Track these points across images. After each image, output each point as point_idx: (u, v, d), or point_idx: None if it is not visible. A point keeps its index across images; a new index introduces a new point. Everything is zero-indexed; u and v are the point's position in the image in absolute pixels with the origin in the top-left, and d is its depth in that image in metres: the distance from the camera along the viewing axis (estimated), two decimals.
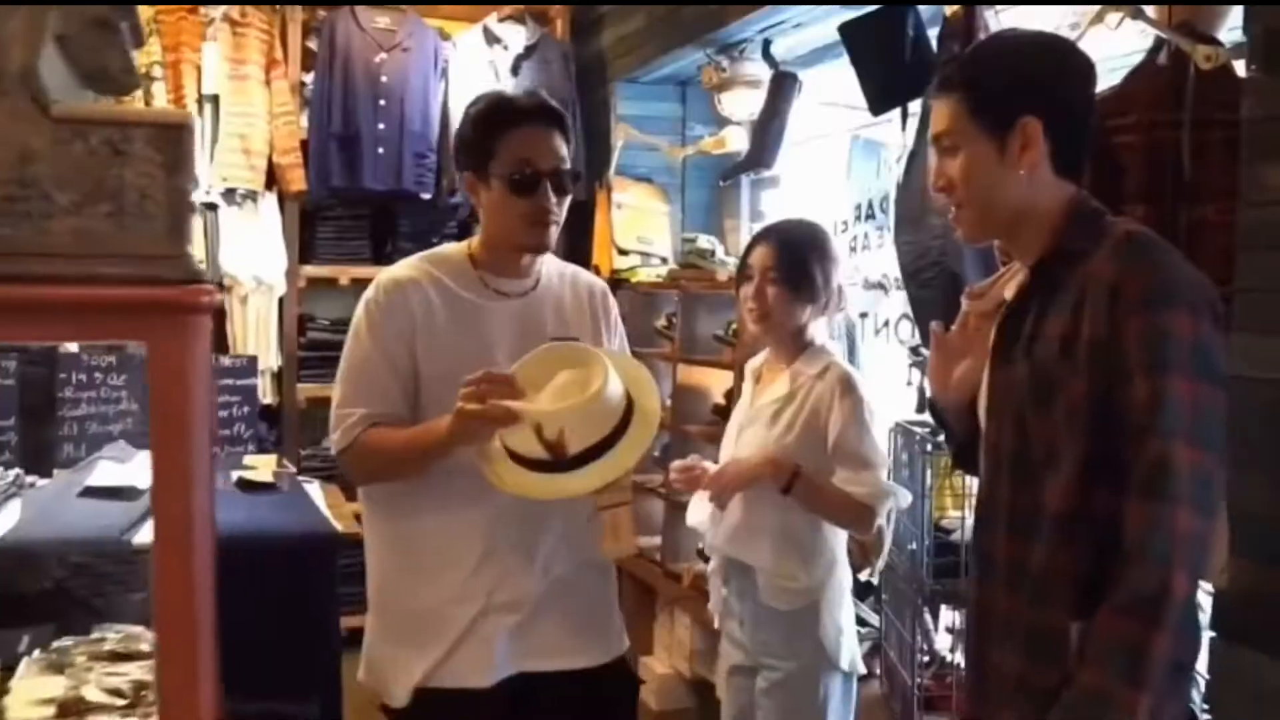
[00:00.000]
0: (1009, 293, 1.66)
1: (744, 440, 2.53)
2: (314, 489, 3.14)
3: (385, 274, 2.06)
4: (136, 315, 0.96)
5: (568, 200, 2.04)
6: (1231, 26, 2.18)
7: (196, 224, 1.22)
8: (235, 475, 3.00)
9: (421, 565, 2.01)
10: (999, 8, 2.84)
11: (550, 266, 2.16)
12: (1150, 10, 2.28)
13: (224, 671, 2.54)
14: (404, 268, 2.07)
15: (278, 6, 4.50)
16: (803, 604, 2.43)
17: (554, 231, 2.03)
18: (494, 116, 2.01)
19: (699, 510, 2.59)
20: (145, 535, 2.59)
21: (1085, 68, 1.60)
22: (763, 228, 2.63)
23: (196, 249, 1.22)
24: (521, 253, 2.05)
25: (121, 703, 1.48)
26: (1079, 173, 1.60)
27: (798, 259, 2.48)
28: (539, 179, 1.97)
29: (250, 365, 4.12)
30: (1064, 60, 1.59)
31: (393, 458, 1.94)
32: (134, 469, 2.94)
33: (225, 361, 4.04)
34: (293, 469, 3.27)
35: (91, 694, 1.53)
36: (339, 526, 2.75)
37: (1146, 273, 1.43)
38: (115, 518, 2.61)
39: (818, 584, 2.45)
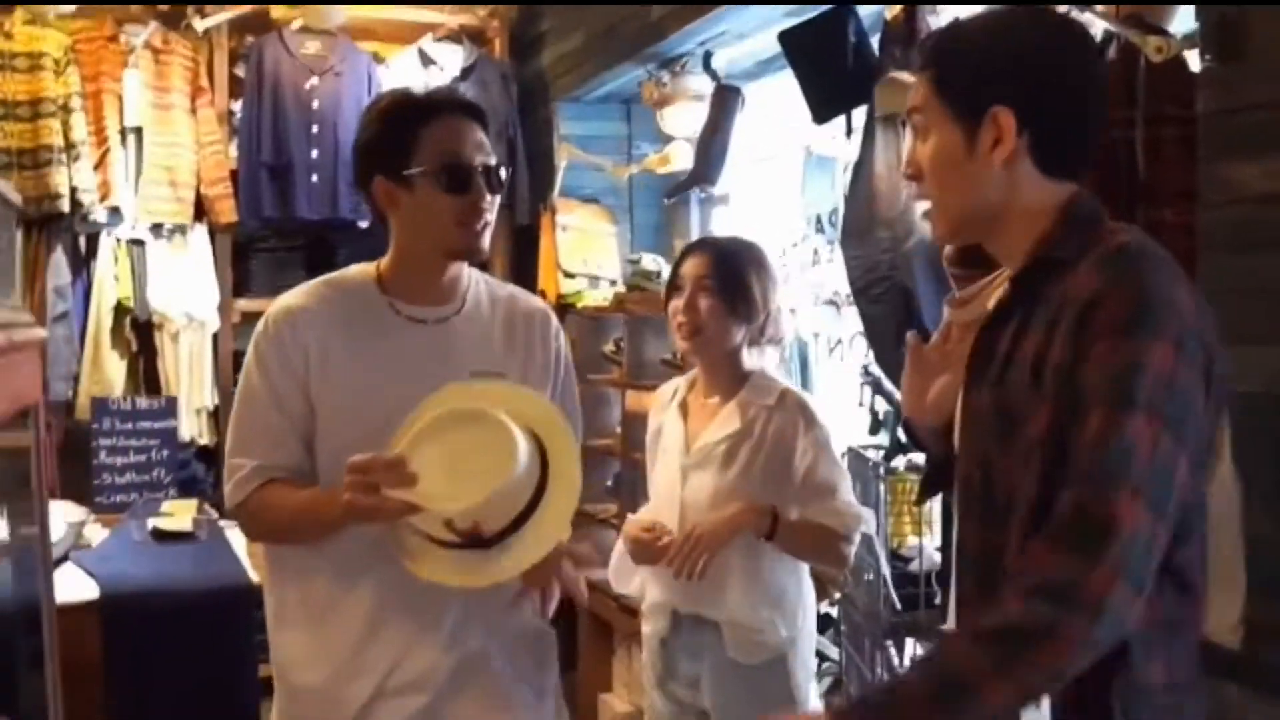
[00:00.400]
0: (992, 303, 1.43)
1: (693, 487, 2.28)
2: (235, 534, 2.96)
3: (275, 304, 1.83)
4: None
5: (498, 201, 1.81)
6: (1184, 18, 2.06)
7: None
8: (150, 524, 2.82)
9: (313, 634, 1.78)
10: (939, 8, 2.73)
11: (483, 289, 1.92)
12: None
13: None
14: (296, 295, 1.83)
15: (202, 33, 4.32)
16: (773, 655, 2.24)
17: (487, 236, 1.79)
18: (407, 111, 1.78)
19: (626, 572, 2.37)
20: None
21: (1082, 49, 1.36)
22: (698, 239, 2.46)
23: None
24: (453, 260, 1.81)
25: None
26: (1075, 171, 1.36)
27: (734, 270, 2.29)
28: (470, 173, 1.75)
29: (169, 406, 3.92)
30: (1053, 40, 1.34)
31: (286, 524, 1.75)
32: None
33: (142, 404, 3.85)
34: (214, 514, 3.09)
35: None
36: (255, 577, 2.57)
37: (1128, 290, 1.20)
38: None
39: (795, 632, 2.26)
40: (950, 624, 1.44)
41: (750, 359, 2.33)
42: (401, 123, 1.76)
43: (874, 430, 2.81)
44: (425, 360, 1.78)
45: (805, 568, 2.32)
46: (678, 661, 2.32)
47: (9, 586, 1.79)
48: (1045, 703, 1.20)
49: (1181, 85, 1.97)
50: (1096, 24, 2.11)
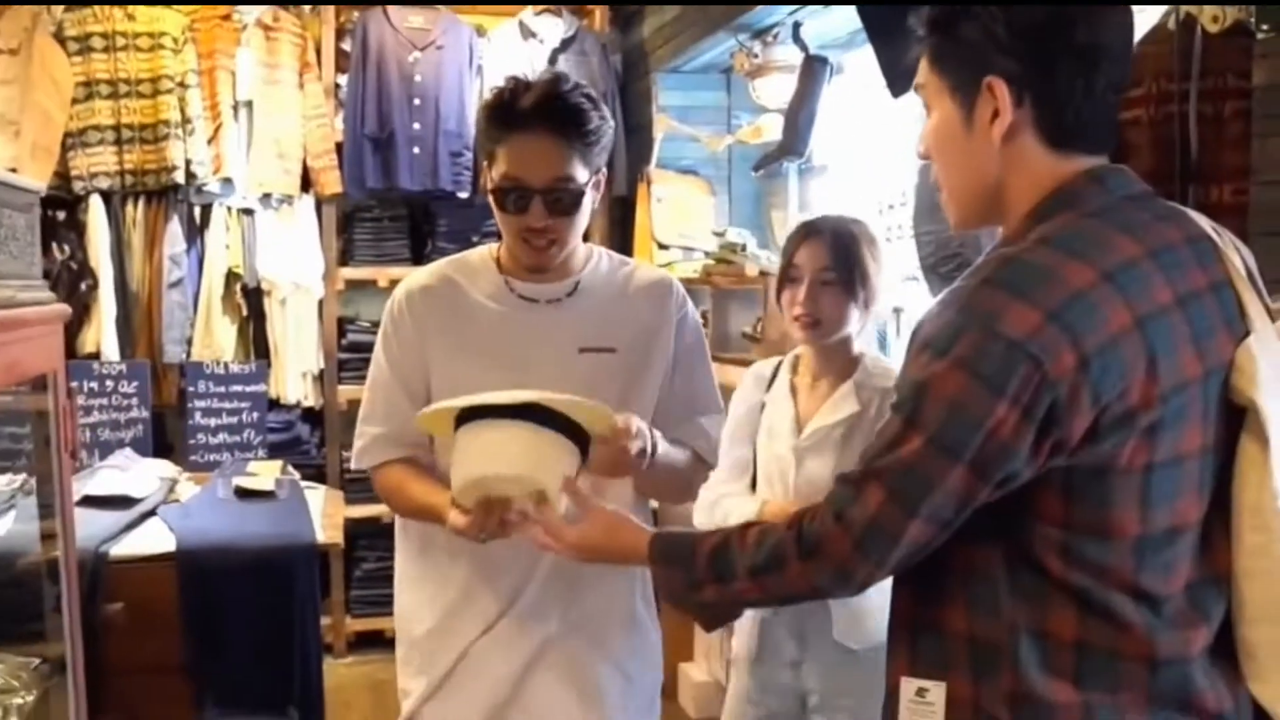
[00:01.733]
0: None
1: (809, 469, 2.20)
2: (316, 495, 3.10)
3: (404, 282, 1.93)
4: None
5: (572, 219, 1.80)
6: None
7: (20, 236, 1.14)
8: (235, 482, 2.98)
9: (418, 594, 1.93)
10: None
11: (603, 265, 1.94)
12: None
13: (199, 681, 2.54)
14: (423, 274, 1.92)
15: (311, 9, 4.47)
16: (879, 643, 2.20)
17: (555, 251, 1.81)
18: (496, 114, 1.79)
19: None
20: (126, 547, 2.58)
21: (1093, 8, 1.21)
22: (805, 223, 2.32)
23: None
24: (522, 269, 1.87)
25: None
26: (1094, 144, 1.24)
27: (853, 257, 2.21)
28: (529, 197, 1.75)
29: (260, 371, 4.10)
30: (1064, 5, 1.20)
31: (405, 510, 1.90)
32: (133, 477, 2.94)
33: (234, 368, 4.03)
34: (295, 475, 3.23)
35: None
36: (322, 536, 2.69)
37: (949, 311, 1.15)
38: (101, 528, 2.60)
39: None
40: None
41: (860, 341, 2.30)
42: (491, 125, 1.79)
43: None
44: (538, 337, 1.84)
45: None
46: (779, 642, 2.26)
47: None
48: (940, 695, 1.20)
49: (1244, 56, 1.87)
50: None
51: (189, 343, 4.28)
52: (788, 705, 2.27)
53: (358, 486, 4.01)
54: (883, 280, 2.26)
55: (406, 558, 1.96)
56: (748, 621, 2.30)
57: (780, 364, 2.38)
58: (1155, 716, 1.16)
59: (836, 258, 2.19)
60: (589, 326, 1.86)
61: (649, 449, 1.71)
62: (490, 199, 1.81)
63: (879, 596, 2.10)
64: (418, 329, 1.85)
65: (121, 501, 2.76)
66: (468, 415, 1.57)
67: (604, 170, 1.85)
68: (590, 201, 1.82)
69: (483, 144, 1.83)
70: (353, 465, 1.94)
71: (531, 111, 1.75)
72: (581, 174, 1.78)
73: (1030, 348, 1.09)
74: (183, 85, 4.26)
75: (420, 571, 1.93)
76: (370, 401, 1.91)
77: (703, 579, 1.33)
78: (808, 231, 2.27)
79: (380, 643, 4.59)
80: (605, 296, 1.90)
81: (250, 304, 4.45)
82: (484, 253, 1.94)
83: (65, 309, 1.47)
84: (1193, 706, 1.17)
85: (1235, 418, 1.16)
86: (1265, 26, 1.76)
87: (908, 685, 1.23)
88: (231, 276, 4.37)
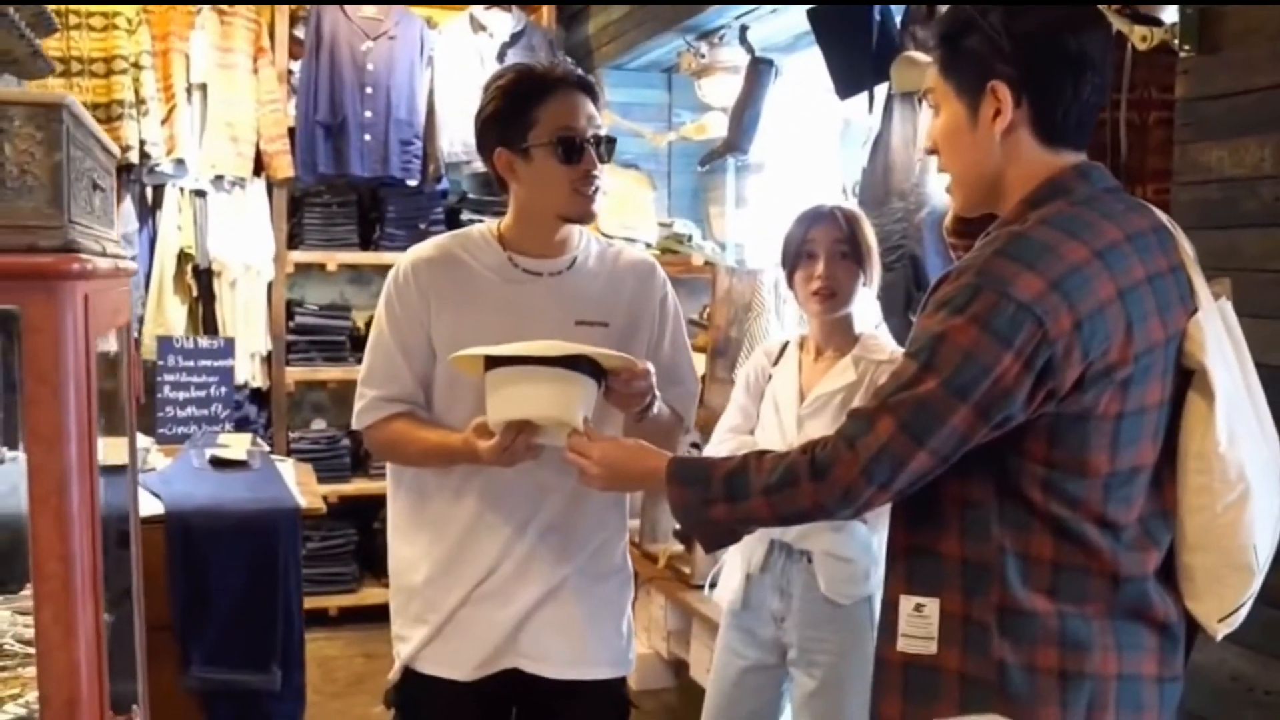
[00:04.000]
0: None
1: (809, 432, 2.33)
2: (286, 467, 3.20)
3: (409, 252, 2.05)
4: (10, 281, 1.00)
5: (606, 169, 1.97)
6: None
7: (95, 198, 1.27)
8: (209, 453, 3.06)
9: (415, 542, 2.03)
10: None
11: (593, 247, 2.09)
12: None
13: (186, 640, 2.63)
14: (425, 247, 2.05)
15: None
16: (862, 597, 2.35)
17: (599, 200, 1.97)
18: (527, 87, 1.94)
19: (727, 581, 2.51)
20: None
21: (1080, 21, 1.43)
22: (812, 208, 2.50)
23: (98, 220, 1.26)
24: (568, 223, 2.00)
25: (34, 651, 1.52)
26: (1078, 142, 1.45)
27: (862, 235, 2.43)
28: (584, 144, 1.92)
29: (228, 347, 4.18)
30: (1053, 14, 1.41)
31: (414, 456, 2.00)
32: (108, 446, 2.99)
33: (203, 343, 4.11)
34: (265, 447, 3.33)
35: (6, 644, 1.58)
36: (303, 502, 2.80)
37: (964, 274, 1.35)
38: None
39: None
40: None
41: (859, 316, 2.49)
42: (522, 98, 1.94)
43: None
44: (538, 309, 1.98)
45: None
46: (764, 596, 2.42)
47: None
48: (935, 609, 1.40)
49: (1166, 71, 2.11)
50: None
51: (140, 321, 4.32)
52: (769, 658, 2.44)
53: None
54: (876, 261, 2.47)
55: (400, 511, 2.07)
56: (735, 578, 2.48)
57: (787, 343, 2.58)
58: (1115, 623, 1.38)
59: (848, 234, 2.40)
60: (584, 301, 2.01)
61: (655, 395, 1.90)
62: (533, 159, 1.93)
63: (863, 556, 2.35)
64: (422, 296, 1.97)
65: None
66: (499, 361, 1.73)
67: None
68: None
69: (510, 118, 1.95)
70: (353, 425, 2.04)
71: (563, 76, 1.95)
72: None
73: (1036, 309, 1.30)
74: (137, 66, 4.29)
75: (416, 523, 2.04)
76: (370, 365, 2.02)
77: (715, 498, 1.50)
78: (818, 213, 2.46)
79: (325, 620, 4.69)
80: (598, 273, 2.06)
81: (201, 284, 4.50)
82: (484, 230, 2.07)
83: (132, 265, 1.60)
84: (1145, 616, 1.40)
85: (1183, 378, 1.39)
86: (1187, 46, 2.00)
87: (906, 602, 1.43)
88: (183, 257, 4.42)
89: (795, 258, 2.44)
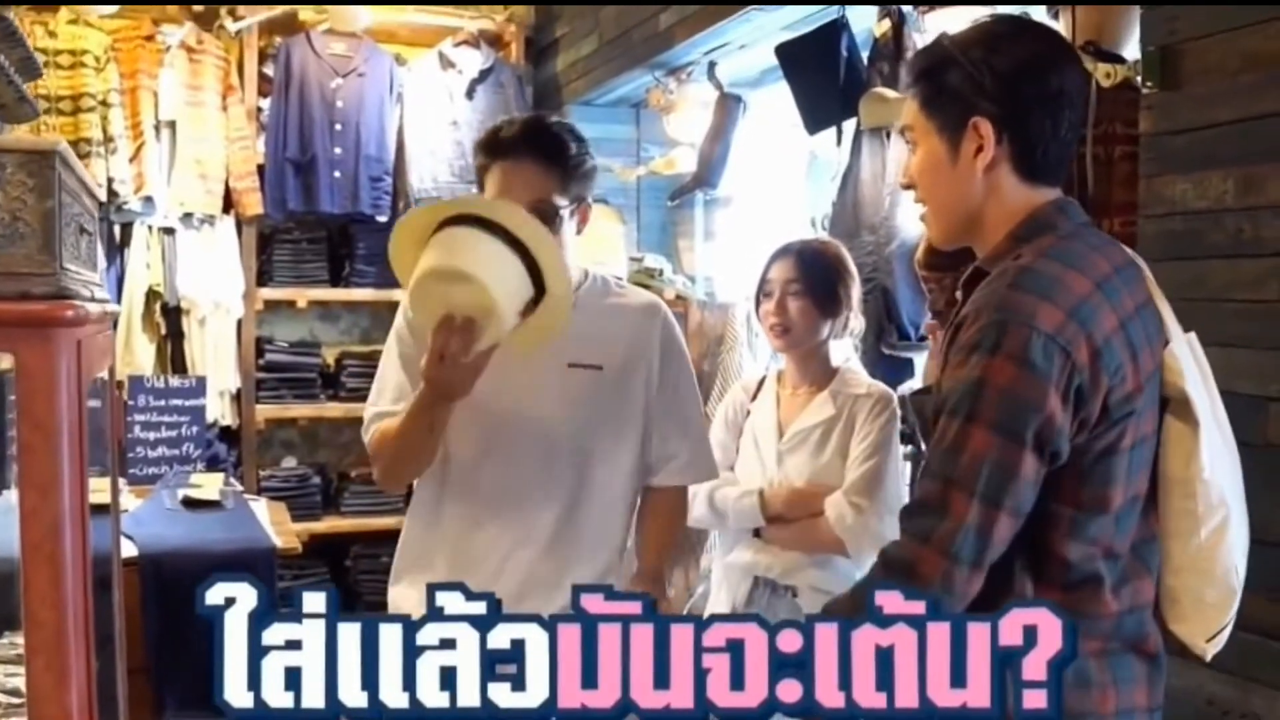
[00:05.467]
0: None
1: (789, 467, 2.43)
2: (259, 506, 3.18)
3: None
4: (3, 329, 1.00)
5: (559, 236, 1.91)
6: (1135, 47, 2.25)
7: (82, 243, 1.27)
8: (181, 493, 3.04)
9: (412, 583, 1.99)
10: (925, 26, 2.92)
11: (597, 285, 2.07)
12: (1059, 26, 2.36)
13: (162, 683, 2.60)
14: None
15: (234, 34, 4.55)
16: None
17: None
18: (484, 145, 1.95)
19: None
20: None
21: (1059, 58, 1.44)
22: (781, 245, 2.56)
23: (85, 265, 1.27)
24: None
25: (18, 701, 1.50)
26: (1055, 178, 1.46)
27: (819, 271, 2.45)
28: None
29: (199, 386, 4.15)
30: (1031, 51, 1.41)
31: (395, 436, 1.91)
32: None
33: (174, 382, 4.08)
34: (238, 487, 3.31)
35: None
36: (278, 542, 2.79)
37: (987, 312, 1.32)
38: None
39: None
40: None
41: (836, 352, 2.53)
42: (479, 159, 1.97)
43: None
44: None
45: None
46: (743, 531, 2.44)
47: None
48: None
49: (1130, 107, 2.16)
50: None
51: None
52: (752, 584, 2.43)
53: None
54: (854, 294, 2.49)
55: (402, 554, 2.05)
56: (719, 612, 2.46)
57: (765, 377, 2.61)
58: (1111, 659, 1.38)
59: (802, 271, 2.43)
60: (578, 343, 1.95)
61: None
62: None
63: (848, 581, 2.24)
64: (420, 333, 1.95)
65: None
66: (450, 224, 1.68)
67: (589, 202, 2.01)
68: (572, 228, 1.97)
69: (476, 178, 1.99)
70: (364, 437, 2.03)
71: (515, 139, 1.92)
72: (560, 199, 1.92)
73: (1060, 340, 1.29)
74: (105, 104, 4.27)
75: (410, 564, 2.02)
76: (379, 384, 2.02)
77: None
78: (779, 252, 2.51)
79: None
80: (595, 315, 2.00)
81: (169, 322, 4.47)
82: None
83: (117, 308, 1.60)
84: (1139, 648, 1.40)
85: (1160, 407, 1.41)
86: (1149, 83, 2.05)
87: None
88: (152, 295, 4.39)
89: (757, 294, 2.51)
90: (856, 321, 2.52)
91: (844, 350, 2.58)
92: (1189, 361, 1.42)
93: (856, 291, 2.51)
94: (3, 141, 1.07)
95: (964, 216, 1.47)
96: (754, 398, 2.56)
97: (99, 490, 1.70)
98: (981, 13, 1.81)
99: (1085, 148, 2.20)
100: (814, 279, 2.42)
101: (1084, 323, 1.31)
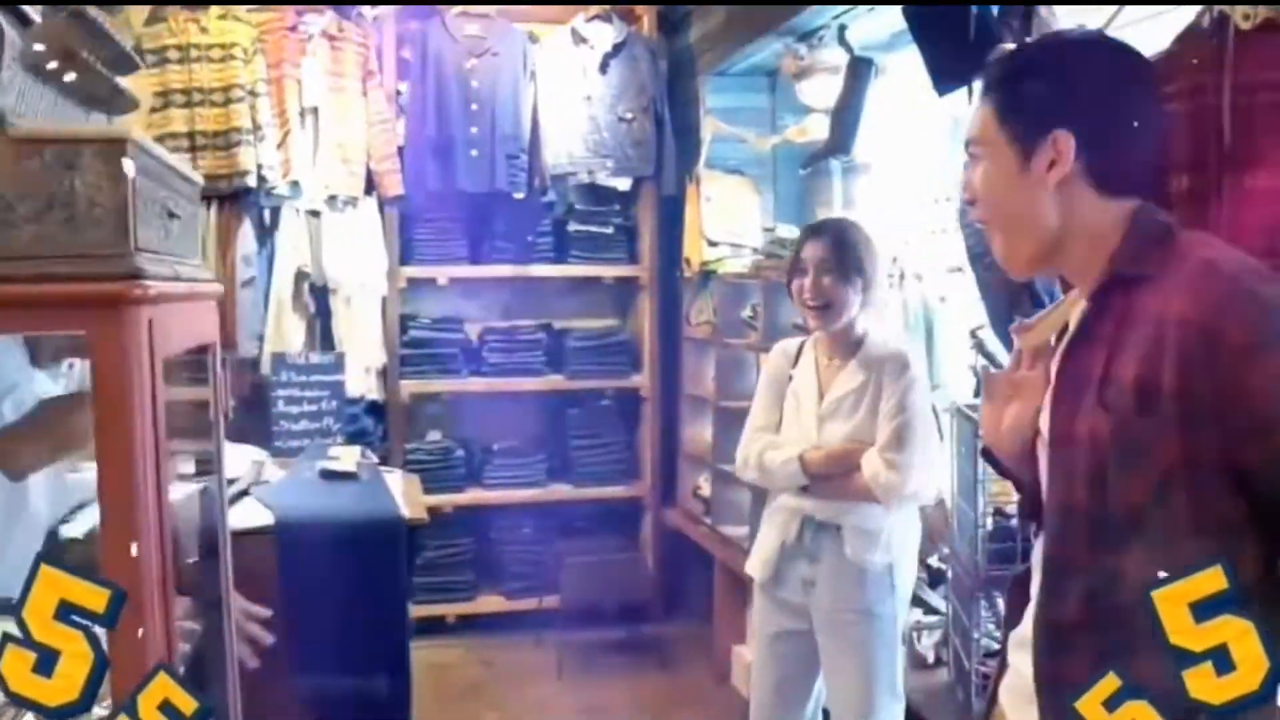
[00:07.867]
0: (1073, 322, 1.43)
1: (829, 431, 2.65)
2: (394, 479, 3.28)
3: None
4: (78, 308, 1.05)
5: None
6: None
7: (173, 226, 1.32)
8: (319, 465, 3.16)
9: None
10: None
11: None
12: None
13: (292, 649, 2.70)
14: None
15: (371, 20, 4.68)
16: (884, 566, 2.56)
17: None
18: None
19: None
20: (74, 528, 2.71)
21: (1141, 74, 1.39)
22: (810, 225, 2.80)
23: (176, 245, 1.32)
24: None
25: None
26: (1136, 190, 1.38)
27: (849, 250, 2.63)
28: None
29: (339, 361, 4.31)
30: (1114, 66, 1.37)
31: None
32: (230, 460, 3.10)
33: (315, 358, 4.25)
34: (374, 459, 3.42)
35: None
36: (407, 513, 2.87)
37: (1251, 313, 1.21)
38: None
39: (901, 552, 2.59)
40: (1027, 624, 1.44)
41: (863, 323, 2.67)
42: None
43: (977, 393, 2.90)
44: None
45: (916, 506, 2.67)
46: (795, 564, 2.65)
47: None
48: None
49: (1275, 50, 2.00)
50: None
51: (260, 339, 4.49)
52: (799, 624, 2.66)
53: (420, 477, 4.19)
54: (879, 270, 2.71)
55: None
56: (766, 551, 2.70)
57: (804, 343, 2.78)
58: None
59: (833, 250, 2.61)
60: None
61: None
62: None
63: (885, 527, 2.55)
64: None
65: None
66: None
67: None
68: None
69: None
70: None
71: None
72: None
73: None
74: (253, 94, 4.46)
75: None
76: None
77: None
78: (810, 231, 2.74)
79: (440, 628, 4.79)
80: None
81: (317, 301, 4.65)
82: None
83: (219, 287, 1.66)
84: None
85: None
86: None
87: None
88: (300, 275, 4.57)
89: (790, 272, 2.70)
90: (881, 294, 2.74)
91: (887, 320, 2.90)
92: None
93: (882, 266, 2.74)
94: (79, 132, 1.12)
95: (1042, 235, 1.39)
96: (795, 364, 2.76)
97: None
98: None
99: (1221, 98, 2.04)
100: (844, 257, 2.61)
101: None
